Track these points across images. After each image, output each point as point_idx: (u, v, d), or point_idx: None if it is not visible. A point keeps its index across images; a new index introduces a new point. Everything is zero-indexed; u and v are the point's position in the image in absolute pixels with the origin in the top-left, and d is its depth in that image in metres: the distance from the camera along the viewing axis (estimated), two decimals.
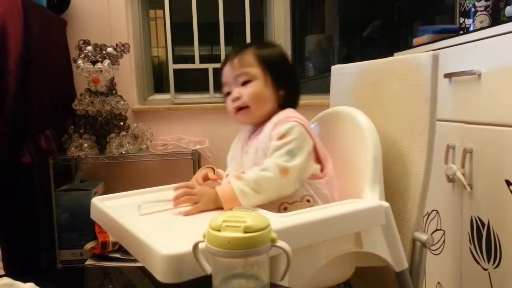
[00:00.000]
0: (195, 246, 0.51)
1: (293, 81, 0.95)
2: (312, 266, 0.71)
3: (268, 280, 0.50)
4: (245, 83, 0.89)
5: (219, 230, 0.47)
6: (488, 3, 1.27)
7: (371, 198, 0.83)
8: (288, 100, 0.92)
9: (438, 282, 1.29)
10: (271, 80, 0.90)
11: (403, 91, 0.94)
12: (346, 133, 0.95)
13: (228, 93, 0.93)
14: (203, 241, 0.50)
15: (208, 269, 0.52)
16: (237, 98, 0.89)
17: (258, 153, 0.86)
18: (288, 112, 0.89)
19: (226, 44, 2.25)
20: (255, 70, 0.89)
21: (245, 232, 0.46)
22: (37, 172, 1.77)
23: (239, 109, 0.90)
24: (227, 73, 0.92)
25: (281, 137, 0.82)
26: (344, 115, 0.96)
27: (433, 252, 1.30)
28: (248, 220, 0.47)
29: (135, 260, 1.71)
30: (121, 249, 1.78)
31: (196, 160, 1.90)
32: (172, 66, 2.22)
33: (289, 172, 0.78)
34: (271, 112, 0.90)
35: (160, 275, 0.56)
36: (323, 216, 0.71)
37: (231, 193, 0.77)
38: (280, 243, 0.49)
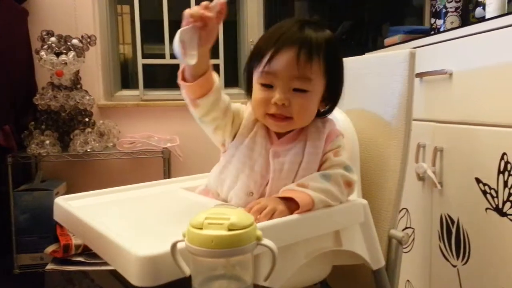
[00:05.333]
0: (174, 246, 0.48)
1: (339, 95, 0.82)
2: (292, 265, 0.69)
3: (252, 281, 0.48)
4: (298, 90, 0.73)
5: (201, 228, 0.44)
6: (458, 4, 1.31)
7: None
8: (325, 112, 0.82)
9: (408, 280, 1.31)
10: (324, 96, 0.78)
11: (379, 88, 0.94)
12: None
13: (268, 86, 0.74)
14: (182, 241, 0.47)
15: (187, 271, 0.49)
16: (283, 105, 0.72)
17: (303, 164, 0.76)
18: (330, 121, 0.82)
19: None
20: (318, 82, 0.74)
21: (229, 230, 0.44)
22: None
23: (277, 116, 0.74)
24: (284, 64, 0.71)
25: (337, 153, 0.78)
26: None
27: (403, 250, 1.32)
28: (233, 217, 0.44)
29: (100, 264, 1.66)
30: (85, 252, 1.70)
31: (167, 158, 1.85)
32: (141, 61, 2.15)
33: (351, 185, 0.76)
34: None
35: (135, 279, 0.52)
36: (303, 215, 0.69)
37: (309, 201, 0.69)
38: (266, 241, 0.46)
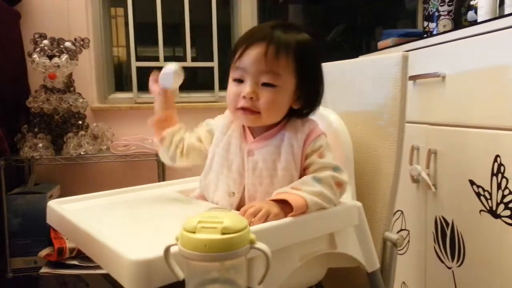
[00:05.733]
0: (167, 250, 0.48)
1: (316, 94, 0.80)
2: (287, 269, 0.69)
3: (245, 285, 0.48)
4: (267, 85, 0.74)
5: (194, 232, 0.44)
6: (451, 8, 1.32)
7: (343, 198, 0.82)
8: (300, 111, 0.80)
9: (403, 282, 1.31)
10: (295, 93, 0.77)
11: (373, 91, 0.94)
12: None
13: (239, 80, 0.76)
14: (175, 245, 0.47)
15: (181, 275, 0.49)
16: (251, 99, 0.74)
17: (279, 164, 0.76)
18: (311, 120, 0.81)
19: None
20: (286, 77, 0.75)
21: (223, 233, 0.43)
22: None
23: (246, 109, 0.76)
24: (253, 59, 0.73)
25: (321, 154, 0.76)
26: (315, 115, 0.95)
27: (398, 252, 1.32)
28: (226, 220, 0.44)
29: (94, 267, 1.65)
30: (79, 256, 1.69)
31: (161, 161, 1.83)
32: (135, 64, 2.14)
33: (342, 185, 0.75)
34: (278, 121, 0.79)
35: (128, 283, 0.52)
36: (296, 218, 0.69)
37: (303, 203, 0.69)
38: (259, 244, 0.46)
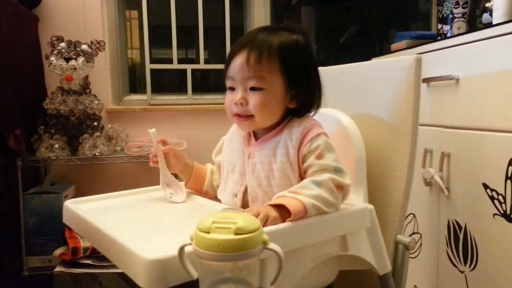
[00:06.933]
0: (181, 250, 0.49)
1: (312, 90, 0.81)
2: (299, 270, 0.69)
3: (258, 285, 0.48)
4: (254, 89, 0.76)
5: (208, 232, 0.45)
6: (465, 10, 1.31)
7: (355, 200, 0.82)
8: (299, 109, 0.81)
9: (415, 286, 1.30)
10: (285, 92, 0.77)
11: (385, 93, 0.94)
12: (329, 135, 0.94)
13: (232, 88, 0.79)
14: (190, 244, 0.48)
15: (195, 274, 0.50)
16: (241, 104, 0.76)
17: (275, 165, 0.77)
18: (310, 120, 0.80)
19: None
20: (273, 79, 0.76)
21: (236, 233, 0.44)
22: (3, 174, 1.68)
23: (239, 115, 0.78)
24: (238, 67, 0.76)
25: (320, 155, 0.74)
26: (327, 117, 0.95)
27: (410, 255, 1.31)
28: (239, 221, 0.45)
29: (108, 267, 1.67)
30: (93, 255, 1.72)
31: None
32: (149, 66, 2.17)
33: (344, 188, 0.73)
34: (276, 121, 0.80)
35: (143, 282, 0.53)
36: (309, 219, 0.70)
37: (301, 208, 0.68)
38: (272, 245, 0.47)
